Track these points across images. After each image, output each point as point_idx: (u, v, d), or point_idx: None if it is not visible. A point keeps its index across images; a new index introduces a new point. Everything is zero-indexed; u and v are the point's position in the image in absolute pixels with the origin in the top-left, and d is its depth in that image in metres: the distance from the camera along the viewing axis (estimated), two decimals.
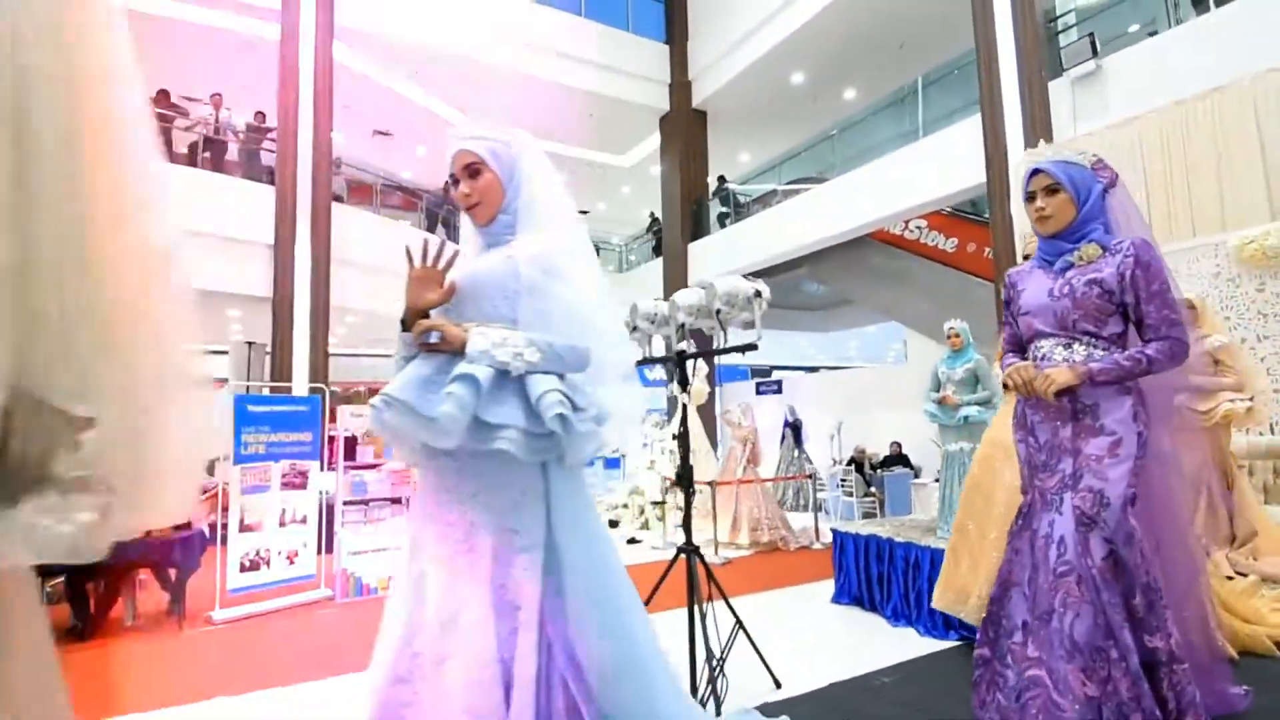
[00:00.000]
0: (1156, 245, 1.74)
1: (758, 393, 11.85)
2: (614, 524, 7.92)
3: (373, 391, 1.37)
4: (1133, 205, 1.83)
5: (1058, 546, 1.58)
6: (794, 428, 9.20)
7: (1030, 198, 1.88)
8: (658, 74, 12.54)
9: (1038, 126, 6.58)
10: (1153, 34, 6.17)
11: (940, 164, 7.81)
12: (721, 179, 12.21)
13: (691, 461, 2.82)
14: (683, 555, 2.67)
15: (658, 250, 13.45)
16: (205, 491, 5.17)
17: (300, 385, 8.79)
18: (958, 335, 4.41)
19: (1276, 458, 4.04)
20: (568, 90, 11.95)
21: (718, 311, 2.58)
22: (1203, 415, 3.03)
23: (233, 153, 9.20)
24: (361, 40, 10.36)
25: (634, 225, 16.56)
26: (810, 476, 8.12)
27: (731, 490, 6.48)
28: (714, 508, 6.38)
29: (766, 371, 14.14)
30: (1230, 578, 2.85)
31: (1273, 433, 4.46)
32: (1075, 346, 1.67)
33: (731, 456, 6.82)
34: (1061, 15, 6.81)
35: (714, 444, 10.38)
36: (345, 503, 5.31)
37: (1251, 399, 3.03)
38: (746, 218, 11.09)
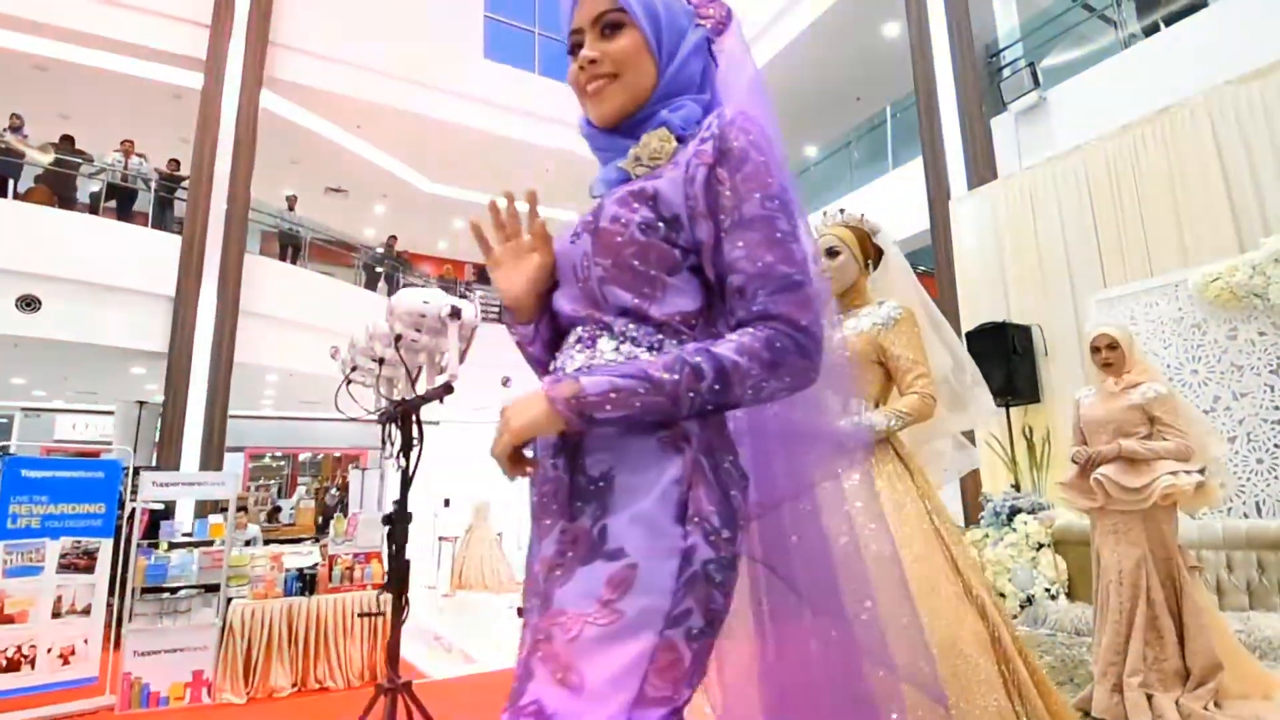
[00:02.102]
0: None
1: None
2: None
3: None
4: (761, 89, 0.91)
5: None
6: None
7: (575, 50, 0.91)
8: None
9: (979, 165, 5.94)
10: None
11: (883, 209, 7.16)
12: None
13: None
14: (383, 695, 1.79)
15: None
16: None
17: (191, 450, 8.01)
18: None
19: (1263, 548, 3.11)
20: (524, 145, 11.63)
21: (397, 338, 1.81)
22: (1135, 495, 2.15)
23: (146, 203, 8.74)
24: (305, 95, 10.08)
25: None
26: None
27: None
28: None
29: None
30: None
31: (1259, 513, 3.53)
32: (602, 341, 0.77)
33: None
34: (1004, 49, 6.28)
35: None
36: (144, 590, 4.41)
37: (1202, 471, 2.16)
38: None
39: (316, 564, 4.85)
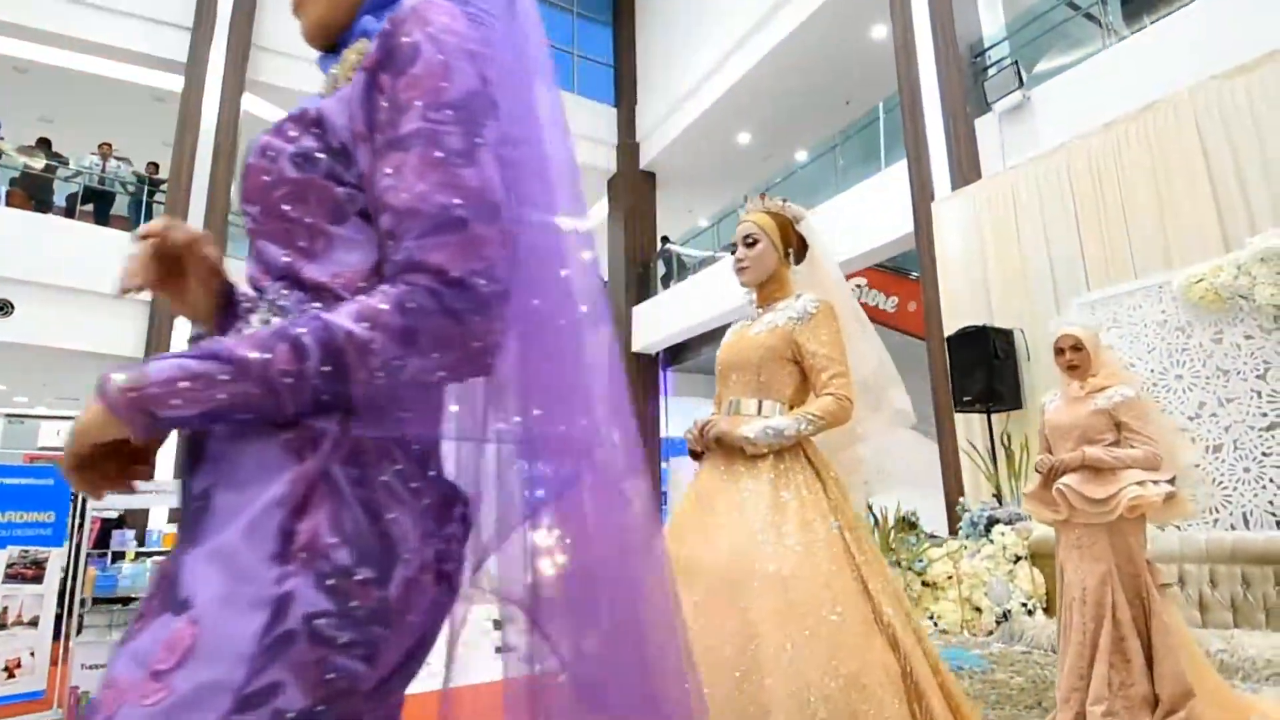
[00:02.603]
0: None
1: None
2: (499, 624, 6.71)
3: None
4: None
5: None
6: None
7: None
8: (605, 136, 12.15)
9: (964, 166, 5.81)
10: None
11: (869, 212, 7.04)
12: (664, 239, 11.58)
13: None
14: None
15: None
16: None
17: (165, 458, 7.86)
18: None
19: (1247, 562, 2.95)
20: None
21: None
22: (1099, 506, 2.00)
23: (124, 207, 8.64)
24: (290, 99, 9.97)
25: None
26: None
27: None
28: None
29: None
30: None
31: (1247, 525, 3.37)
32: (255, 315, 0.59)
33: None
34: (989, 48, 6.16)
35: None
36: (95, 600, 4.27)
37: (1173, 480, 2.01)
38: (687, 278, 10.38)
39: None
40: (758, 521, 1.33)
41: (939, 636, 3.53)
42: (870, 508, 4.55)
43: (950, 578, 3.68)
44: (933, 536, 4.13)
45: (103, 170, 8.20)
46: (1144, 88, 4.43)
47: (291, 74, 9.63)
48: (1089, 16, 5.67)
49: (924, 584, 3.76)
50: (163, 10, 8.75)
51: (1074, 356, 2.19)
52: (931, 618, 3.66)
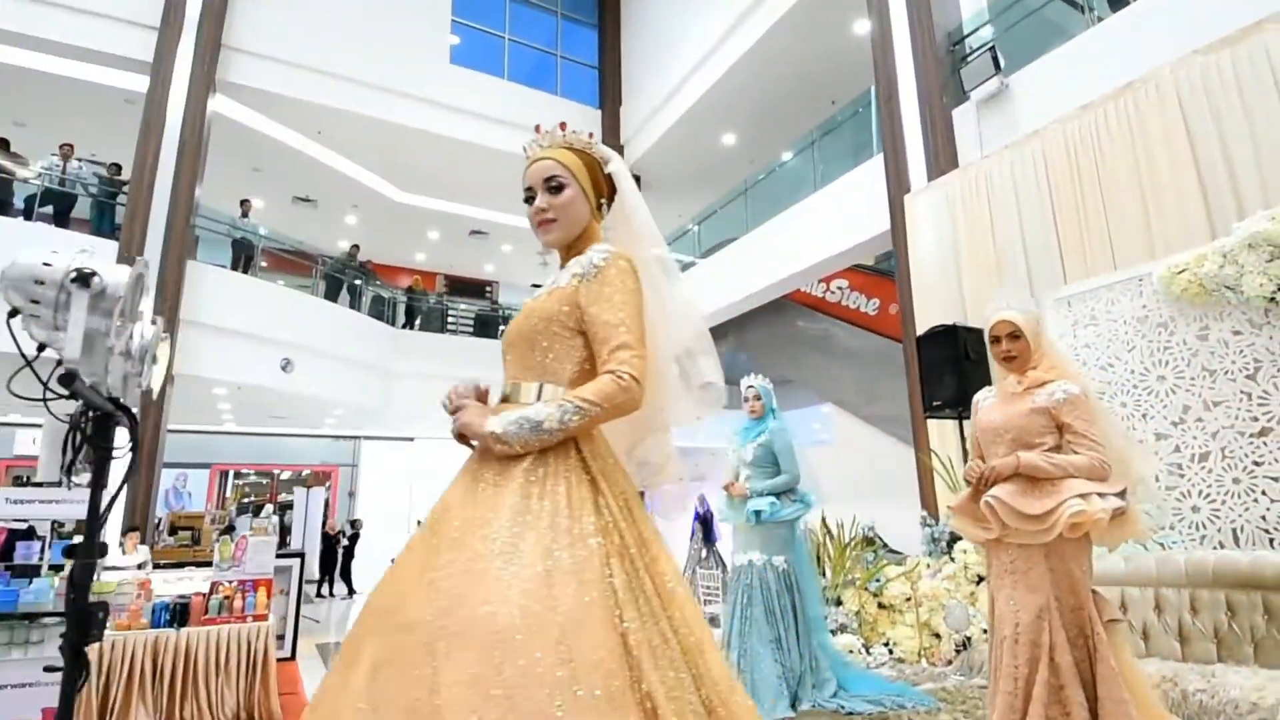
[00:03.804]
0: None
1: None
2: None
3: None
4: None
5: None
6: (704, 521, 7.69)
7: None
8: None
9: (940, 158, 5.49)
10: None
11: (846, 210, 6.73)
12: None
13: None
14: None
15: None
16: None
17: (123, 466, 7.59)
18: (758, 398, 3.09)
19: (1232, 586, 2.58)
20: (494, 153, 11.29)
21: (11, 314, 1.38)
22: (1035, 524, 1.66)
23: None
24: (261, 99, 9.79)
25: None
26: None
27: None
28: None
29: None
30: None
31: (1237, 542, 3.00)
32: None
33: None
34: (967, 35, 5.85)
35: None
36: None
37: (1122, 493, 1.66)
38: None
39: (197, 593, 4.41)
40: (490, 546, 1.00)
41: (894, 666, 3.16)
42: (824, 520, 4.19)
43: (909, 600, 3.32)
44: (894, 553, 3.77)
45: (63, 171, 7.98)
46: (1124, 68, 4.11)
47: (263, 74, 9.45)
48: (1068, 1, 5.36)
49: (880, 606, 3.40)
50: (129, 10, 8.58)
51: (1011, 346, 1.85)
52: (887, 644, 3.29)
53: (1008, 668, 1.65)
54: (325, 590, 12.00)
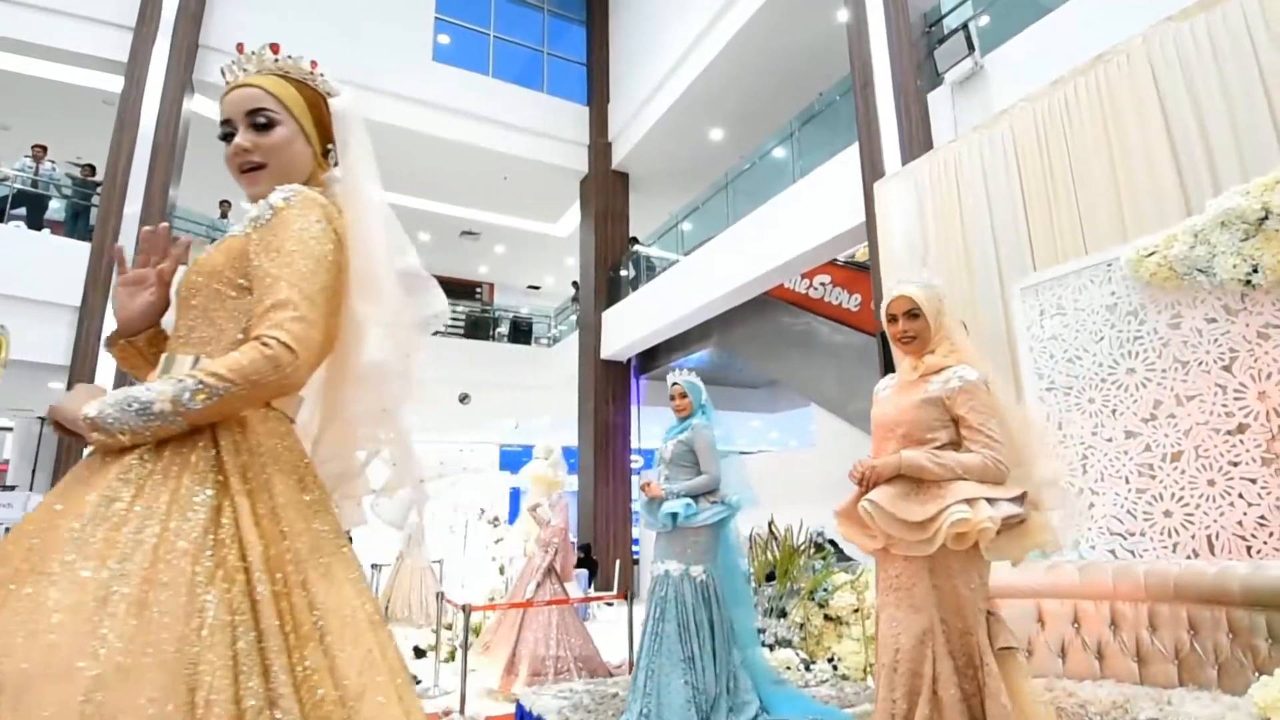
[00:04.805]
0: None
1: None
2: (421, 652, 6.19)
3: None
4: None
5: None
6: None
7: None
8: (577, 136, 11.73)
9: (914, 145, 5.23)
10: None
11: (824, 203, 6.48)
12: (633, 240, 11.07)
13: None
14: None
15: None
16: None
17: None
18: (683, 395, 2.85)
19: (1194, 602, 2.31)
20: (478, 151, 11.14)
21: None
22: (917, 532, 1.41)
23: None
24: None
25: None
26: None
27: (515, 616, 4.79)
28: (490, 640, 4.70)
29: None
30: None
31: (1212, 551, 2.72)
32: None
33: (528, 568, 5.15)
34: (944, 15, 5.58)
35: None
36: None
37: (1020, 498, 1.41)
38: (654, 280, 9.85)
39: None
40: (38, 563, 0.77)
41: (835, 685, 2.91)
42: (771, 524, 3.94)
43: (856, 611, 3.06)
44: (847, 560, 3.51)
45: (35, 173, 7.92)
46: (1099, 39, 3.83)
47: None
48: None
49: (827, 618, 3.15)
50: (105, 11, 8.53)
51: (909, 326, 1.61)
52: (832, 660, 3.04)
53: (884, 700, 1.40)
54: None
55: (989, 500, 1.37)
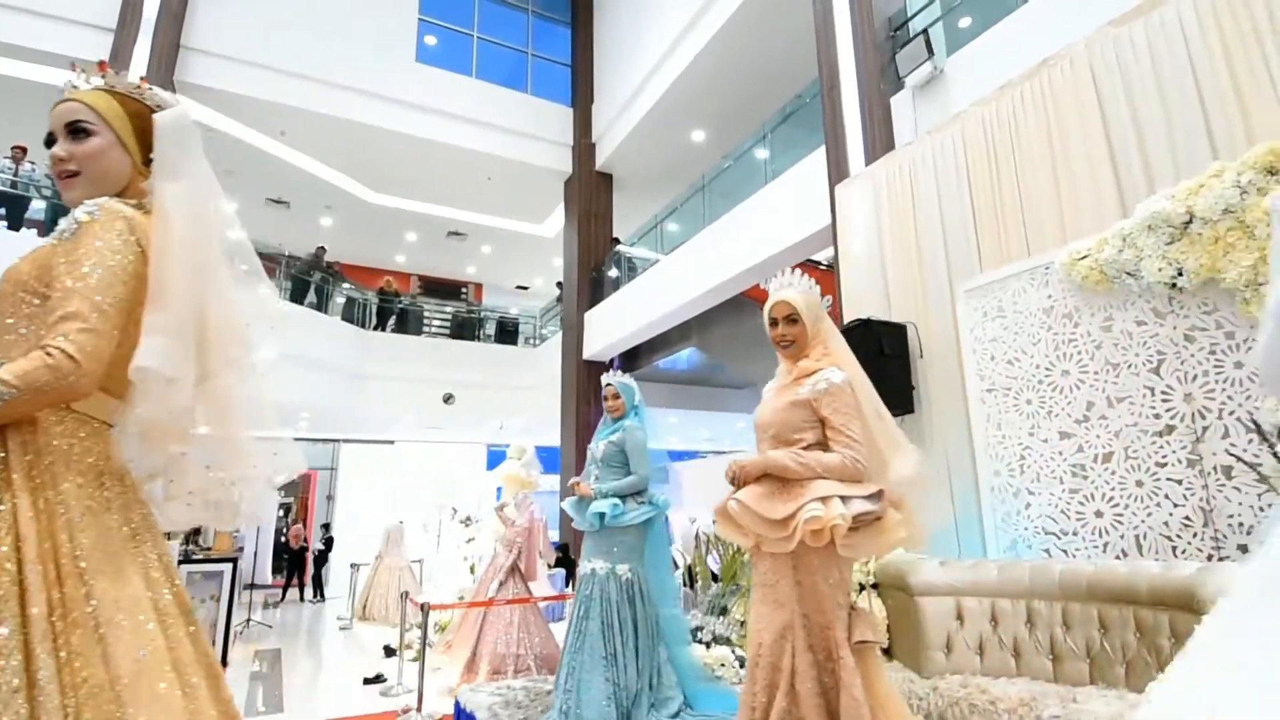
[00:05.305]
0: None
1: None
2: (391, 651, 6.21)
3: None
4: None
5: None
6: None
7: None
8: (561, 137, 11.76)
9: (877, 148, 5.26)
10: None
11: (794, 204, 6.52)
12: (615, 240, 11.10)
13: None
14: None
15: None
16: None
17: None
18: (616, 396, 2.88)
19: (1105, 601, 2.33)
20: (462, 152, 11.18)
21: None
22: (778, 530, 1.44)
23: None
24: (223, 100, 9.74)
25: None
26: None
27: (477, 616, 4.81)
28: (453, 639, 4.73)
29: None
30: None
31: (1140, 550, 2.75)
32: None
33: (491, 566, 5.18)
34: (909, 19, 5.61)
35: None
36: None
37: (875, 496, 1.44)
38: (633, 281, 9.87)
39: None
40: None
41: None
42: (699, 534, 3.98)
43: None
44: None
45: (15, 174, 7.95)
46: (1048, 44, 3.86)
47: (225, 75, 9.40)
48: None
49: None
50: (86, 12, 8.56)
51: (788, 330, 1.64)
52: None
53: (746, 693, 1.43)
54: (298, 595, 11.91)
55: (843, 498, 1.40)
